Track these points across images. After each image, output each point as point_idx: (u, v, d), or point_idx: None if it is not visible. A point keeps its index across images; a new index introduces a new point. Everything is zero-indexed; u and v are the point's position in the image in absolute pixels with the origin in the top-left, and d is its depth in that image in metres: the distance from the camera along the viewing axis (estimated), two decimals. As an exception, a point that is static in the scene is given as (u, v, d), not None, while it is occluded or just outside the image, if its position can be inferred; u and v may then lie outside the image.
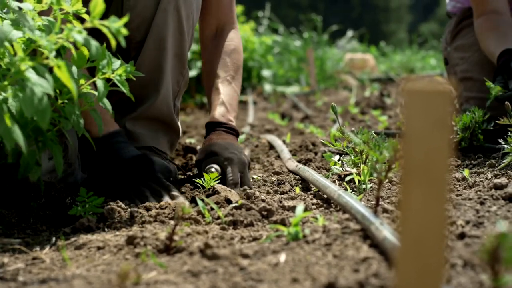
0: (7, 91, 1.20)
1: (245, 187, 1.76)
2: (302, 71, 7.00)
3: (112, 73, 1.45)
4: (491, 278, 0.88)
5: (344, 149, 1.89)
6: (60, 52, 1.41)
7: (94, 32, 1.36)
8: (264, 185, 1.88)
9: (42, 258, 1.23)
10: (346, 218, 1.33)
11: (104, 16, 1.26)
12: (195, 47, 4.84)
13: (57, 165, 1.39)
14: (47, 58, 1.21)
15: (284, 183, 1.87)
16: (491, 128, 2.17)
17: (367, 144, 1.59)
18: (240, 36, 2.22)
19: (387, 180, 1.34)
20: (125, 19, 1.23)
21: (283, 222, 1.39)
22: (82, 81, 1.43)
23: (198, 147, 2.53)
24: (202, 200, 1.54)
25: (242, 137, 2.84)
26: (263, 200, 1.60)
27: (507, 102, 2.01)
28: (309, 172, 1.80)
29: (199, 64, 4.91)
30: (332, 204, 1.59)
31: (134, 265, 1.14)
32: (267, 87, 6.09)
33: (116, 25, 1.23)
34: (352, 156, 1.84)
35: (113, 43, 1.22)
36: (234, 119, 2.03)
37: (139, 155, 1.74)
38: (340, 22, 10.95)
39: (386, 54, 11.37)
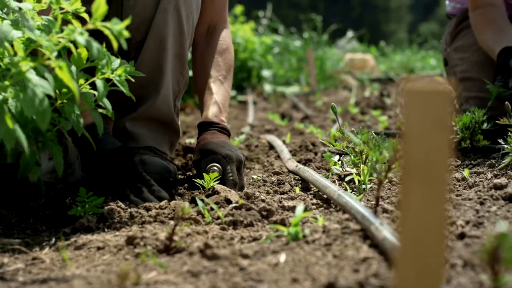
0: (7, 91, 1.20)
1: (242, 184, 1.78)
2: (302, 71, 7.00)
3: (112, 73, 1.45)
4: (491, 278, 0.88)
5: (344, 149, 1.90)
6: (60, 53, 1.41)
7: (93, 31, 1.36)
8: (264, 185, 1.88)
9: (42, 258, 1.23)
10: (346, 218, 1.33)
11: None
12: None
13: (57, 165, 1.39)
14: (48, 58, 1.21)
15: (284, 183, 1.88)
16: (491, 128, 2.17)
17: (367, 144, 1.59)
18: (231, 36, 2.24)
19: (387, 180, 1.34)
20: (127, 22, 1.23)
21: (283, 222, 1.39)
22: (81, 81, 1.43)
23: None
24: (202, 200, 1.54)
25: (242, 137, 2.85)
26: (263, 200, 1.60)
27: (507, 102, 2.01)
28: (309, 172, 1.80)
29: (199, 64, 4.90)
30: (332, 204, 1.59)
31: (134, 265, 1.14)
32: (267, 87, 6.09)
33: (118, 27, 1.23)
34: (352, 156, 1.84)
35: (115, 45, 1.22)
36: (225, 119, 2.06)
37: (120, 147, 1.73)
38: (340, 22, 10.93)
39: (386, 54, 11.35)
